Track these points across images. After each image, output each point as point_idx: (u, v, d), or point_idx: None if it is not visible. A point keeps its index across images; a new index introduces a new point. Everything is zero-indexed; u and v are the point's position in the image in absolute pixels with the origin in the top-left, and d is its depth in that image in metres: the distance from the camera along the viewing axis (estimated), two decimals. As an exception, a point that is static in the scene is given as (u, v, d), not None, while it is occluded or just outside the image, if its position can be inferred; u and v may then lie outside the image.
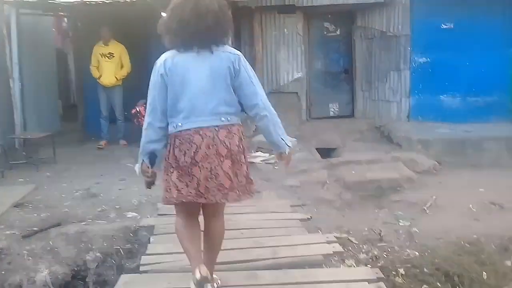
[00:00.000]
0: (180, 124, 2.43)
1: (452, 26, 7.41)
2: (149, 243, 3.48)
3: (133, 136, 7.15)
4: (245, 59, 2.53)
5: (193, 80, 2.42)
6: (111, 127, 7.20)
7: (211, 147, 2.39)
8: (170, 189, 2.45)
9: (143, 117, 7.16)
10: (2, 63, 6.73)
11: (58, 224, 3.99)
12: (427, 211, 5.04)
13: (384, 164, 5.92)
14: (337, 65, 8.37)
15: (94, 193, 4.75)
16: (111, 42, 6.93)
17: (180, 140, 2.42)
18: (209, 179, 2.40)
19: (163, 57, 2.49)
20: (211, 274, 2.57)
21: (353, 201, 5.27)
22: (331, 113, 8.37)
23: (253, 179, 2.58)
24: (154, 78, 2.48)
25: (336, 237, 4.28)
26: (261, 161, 6.26)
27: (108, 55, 6.87)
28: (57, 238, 3.78)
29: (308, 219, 3.85)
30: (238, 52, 2.52)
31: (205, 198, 2.42)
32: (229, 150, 2.42)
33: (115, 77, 6.87)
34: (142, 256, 3.25)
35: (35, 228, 3.93)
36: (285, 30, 7.90)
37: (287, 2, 7.68)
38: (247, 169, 2.53)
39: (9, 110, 6.76)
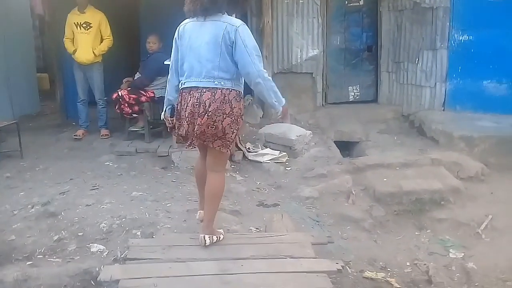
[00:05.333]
0: (183, 82, 2.88)
1: (500, -2, 6.12)
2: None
3: (117, 124, 6.07)
4: (247, 29, 2.78)
5: (194, 45, 2.78)
6: (92, 112, 6.05)
7: (194, 106, 2.77)
8: (176, 131, 3.00)
9: (126, 104, 5.69)
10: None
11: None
12: (483, 236, 3.95)
13: (422, 169, 4.79)
14: (359, 41, 7.12)
15: (54, 212, 3.63)
16: (88, 9, 5.68)
17: (181, 95, 2.88)
18: (193, 130, 2.82)
19: (181, 24, 2.92)
20: (207, 226, 2.97)
21: (387, 220, 4.17)
22: (351, 98, 7.18)
23: (231, 139, 2.86)
24: (174, 41, 2.97)
25: (370, 278, 3.24)
26: (269, 160, 5.14)
27: (84, 25, 5.63)
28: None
29: (337, 268, 2.73)
30: (238, 23, 2.76)
31: (193, 139, 2.86)
32: (205, 110, 2.74)
33: (93, 52, 5.66)
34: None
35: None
36: (300, -2, 6.64)
37: (303, -37, 6.41)
38: (224, 128, 2.79)
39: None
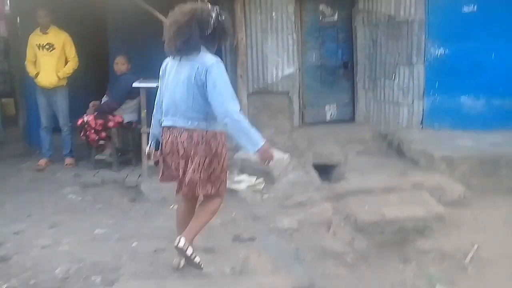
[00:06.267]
0: (162, 120, 2.92)
1: (475, 9, 6.01)
2: None
3: (83, 151, 5.71)
4: (218, 67, 2.72)
5: (171, 84, 2.84)
6: (56, 139, 5.69)
7: (173, 144, 2.82)
8: (161, 169, 3.00)
9: (93, 130, 5.25)
10: None
11: None
12: (469, 268, 3.77)
13: (404, 194, 4.61)
14: (334, 58, 6.94)
15: (4, 255, 3.28)
16: (51, 30, 5.37)
17: (162, 132, 2.91)
18: (175, 169, 2.88)
19: (165, 61, 2.97)
20: (187, 236, 2.90)
21: (370, 252, 3.95)
22: (328, 117, 6.98)
23: (213, 181, 2.87)
24: (159, 77, 3.02)
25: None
26: (246, 187, 4.88)
27: (47, 47, 5.31)
28: None
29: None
30: (210, 62, 2.72)
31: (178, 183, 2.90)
32: (184, 152, 2.78)
33: (57, 75, 5.32)
34: None
35: None
36: (273, 13, 6.41)
37: (276, -22, 6.21)
38: (206, 170, 2.80)
39: None
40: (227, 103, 2.67)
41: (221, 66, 2.75)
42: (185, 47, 2.72)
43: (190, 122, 2.77)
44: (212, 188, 2.88)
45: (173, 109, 2.81)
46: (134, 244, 3.60)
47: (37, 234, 3.69)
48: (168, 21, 2.82)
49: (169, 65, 2.89)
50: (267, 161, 2.78)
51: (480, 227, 4.34)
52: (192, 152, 2.77)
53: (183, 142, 2.77)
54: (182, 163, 2.80)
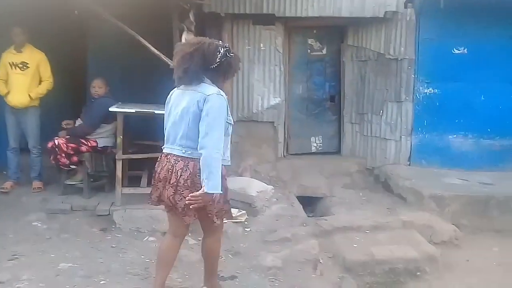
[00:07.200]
0: (163, 147, 2.96)
1: (466, 51, 6.04)
2: None
3: (54, 174, 5.33)
4: (217, 99, 2.72)
5: (173, 113, 2.87)
6: (25, 159, 5.31)
7: (168, 171, 2.80)
8: (151, 192, 2.98)
9: (64, 155, 4.38)
10: None
11: None
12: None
13: (394, 233, 4.38)
14: (321, 91, 6.83)
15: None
16: (26, 48, 5.08)
17: (160, 158, 2.94)
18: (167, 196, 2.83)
19: (172, 90, 2.99)
20: (208, 280, 3.14)
21: (359, 295, 3.66)
22: (313, 149, 6.79)
23: (213, 209, 2.82)
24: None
25: None
26: (226, 220, 4.56)
27: (21, 65, 5.00)
28: None
29: None
30: (210, 92, 2.73)
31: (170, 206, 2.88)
32: (176, 181, 2.77)
33: (29, 96, 5.01)
34: None
35: None
36: (261, 45, 6.31)
37: (265, 10, 6.12)
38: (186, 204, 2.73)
39: None
40: (211, 136, 2.65)
41: (221, 99, 2.73)
42: (185, 76, 2.75)
43: (183, 150, 2.77)
44: (208, 215, 2.85)
45: (172, 136, 2.84)
46: (102, 283, 3.24)
47: (-6, 267, 3.30)
48: (175, 51, 2.89)
49: (174, 93, 2.92)
50: (196, 204, 2.67)
51: (473, 270, 4.14)
52: (183, 180, 2.74)
53: (177, 171, 2.75)
54: (170, 191, 2.78)
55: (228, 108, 2.81)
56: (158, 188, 2.88)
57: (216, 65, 2.76)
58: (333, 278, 3.77)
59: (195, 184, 2.72)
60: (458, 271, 4.07)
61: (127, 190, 4.59)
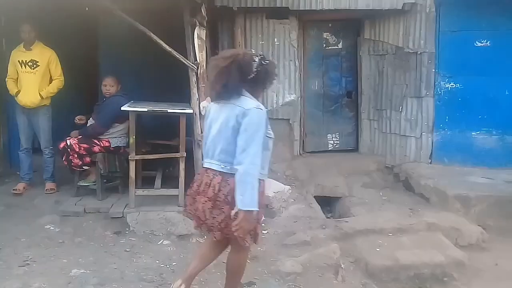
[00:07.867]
0: (203, 162, 2.93)
1: (489, 44, 5.79)
2: None
3: (67, 175, 5.22)
4: (257, 113, 2.63)
5: (212, 127, 2.81)
6: (38, 160, 5.22)
7: (206, 185, 2.74)
8: (186, 203, 2.98)
9: (76, 155, 4.71)
10: None
11: None
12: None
13: (418, 236, 4.18)
14: (338, 87, 6.63)
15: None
16: (36, 46, 4.96)
17: (200, 172, 2.90)
18: (203, 210, 2.77)
19: (210, 103, 2.94)
20: None
21: (383, 303, 3.50)
22: (330, 146, 6.62)
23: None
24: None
25: None
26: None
27: (30, 64, 4.89)
28: None
29: None
30: (249, 106, 2.65)
31: (201, 221, 2.82)
32: (215, 195, 2.69)
33: (40, 95, 4.90)
34: None
35: None
36: (275, 39, 6.13)
37: (279, 3, 5.93)
38: (226, 217, 2.67)
39: None
40: (248, 152, 2.55)
41: (260, 113, 2.62)
42: (225, 91, 2.67)
43: (221, 165, 2.70)
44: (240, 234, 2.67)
45: (211, 151, 2.78)
46: (115, 289, 3.12)
47: (5, 274, 3.18)
48: (209, 66, 2.84)
49: (213, 108, 2.85)
50: (240, 226, 2.54)
51: (502, 274, 3.92)
52: (222, 194, 2.67)
53: (215, 185, 2.69)
54: (208, 205, 2.71)
55: (268, 122, 2.69)
56: (196, 201, 2.80)
57: (253, 75, 2.68)
58: (355, 284, 3.60)
59: (232, 198, 2.64)
60: (487, 276, 3.86)
61: (141, 192, 4.47)
